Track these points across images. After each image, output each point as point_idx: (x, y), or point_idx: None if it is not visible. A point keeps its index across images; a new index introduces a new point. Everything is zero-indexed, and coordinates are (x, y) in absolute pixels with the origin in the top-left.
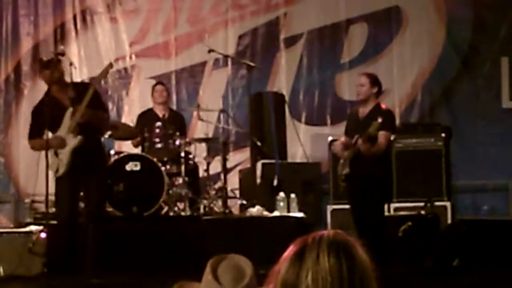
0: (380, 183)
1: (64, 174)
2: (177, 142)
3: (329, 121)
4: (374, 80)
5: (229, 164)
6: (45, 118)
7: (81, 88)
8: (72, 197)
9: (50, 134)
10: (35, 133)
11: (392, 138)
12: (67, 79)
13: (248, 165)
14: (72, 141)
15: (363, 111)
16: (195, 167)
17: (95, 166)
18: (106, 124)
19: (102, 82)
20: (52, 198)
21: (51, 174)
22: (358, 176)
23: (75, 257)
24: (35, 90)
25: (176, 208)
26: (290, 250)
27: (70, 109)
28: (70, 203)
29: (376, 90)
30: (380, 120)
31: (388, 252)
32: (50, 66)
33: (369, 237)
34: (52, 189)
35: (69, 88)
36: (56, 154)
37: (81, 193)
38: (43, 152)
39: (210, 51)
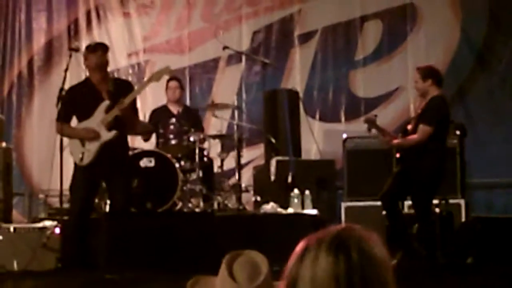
0: (421, 178)
1: (87, 164)
2: (192, 138)
3: (343, 118)
4: (425, 74)
5: (243, 161)
6: (78, 104)
7: (123, 85)
8: (88, 188)
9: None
10: (63, 117)
11: (429, 131)
12: (83, 75)
13: (262, 162)
14: (106, 135)
15: (422, 105)
16: (209, 163)
17: (120, 165)
18: (134, 128)
19: (115, 75)
20: (66, 192)
21: (65, 169)
22: (404, 165)
23: (88, 252)
24: (47, 85)
25: (190, 204)
26: (298, 247)
27: (107, 102)
28: (84, 194)
29: (430, 83)
30: (371, 116)
31: (430, 245)
32: (97, 51)
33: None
34: (66, 184)
35: (110, 81)
36: (83, 143)
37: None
38: (57, 148)
39: (224, 48)
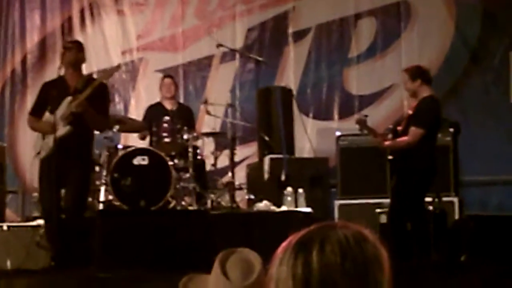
0: (414, 178)
1: (44, 158)
2: (185, 137)
3: (336, 116)
4: (414, 74)
5: (236, 159)
6: (49, 98)
7: (89, 82)
8: (51, 180)
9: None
10: (36, 110)
11: (421, 133)
12: None
13: (256, 159)
14: (61, 130)
15: (413, 105)
16: (203, 161)
17: (77, 160)
18: (100, 128)
19: None
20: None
21: None
22: (397, 166)
23: (82, 250)
24: (40, 83)
25: (183, 203)
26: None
27: (69, 98)
28: (48, 185)
29: (419, 83)
30: (361, 117)
31: (424, 243)
32: (71, 49)
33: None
34: None
35: (81, 79)
36: (43, 136)
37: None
38: None
39: (218, 45)
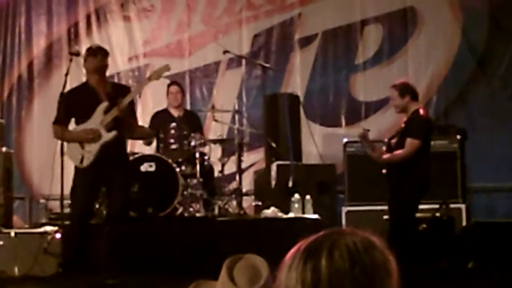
0: (408, 190)
1: (88, 166)
2: (192, 143)
3: (343, 122)
4: (403, 91)
5: (243, 165)
6: (76, 106)
7: (120, 88)
8: (89, 191)
9: (73, 124)
10: (61, 120)
11: (417, 144)
12: (83, 79)
13: (263, 166)
14: (106, 135)
15: (404, 119)
16: (210, 168)
17: (119, 167)
18: (132, 131)
19: (115, 80)
20: (67, 197)
21: (66, 173)
22: (393, 178)
23: (89, 257)
24: (47, 89)
25: (190, 209)
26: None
27: (105, 104)
28: (85, 197)
29: (408, 99)
30: (364, 131)
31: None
32: (97, 55)
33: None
34: (67, 189)
35: (108, 84)
36: (82, 145)
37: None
38: (57, 152)
39: (225, 52)
